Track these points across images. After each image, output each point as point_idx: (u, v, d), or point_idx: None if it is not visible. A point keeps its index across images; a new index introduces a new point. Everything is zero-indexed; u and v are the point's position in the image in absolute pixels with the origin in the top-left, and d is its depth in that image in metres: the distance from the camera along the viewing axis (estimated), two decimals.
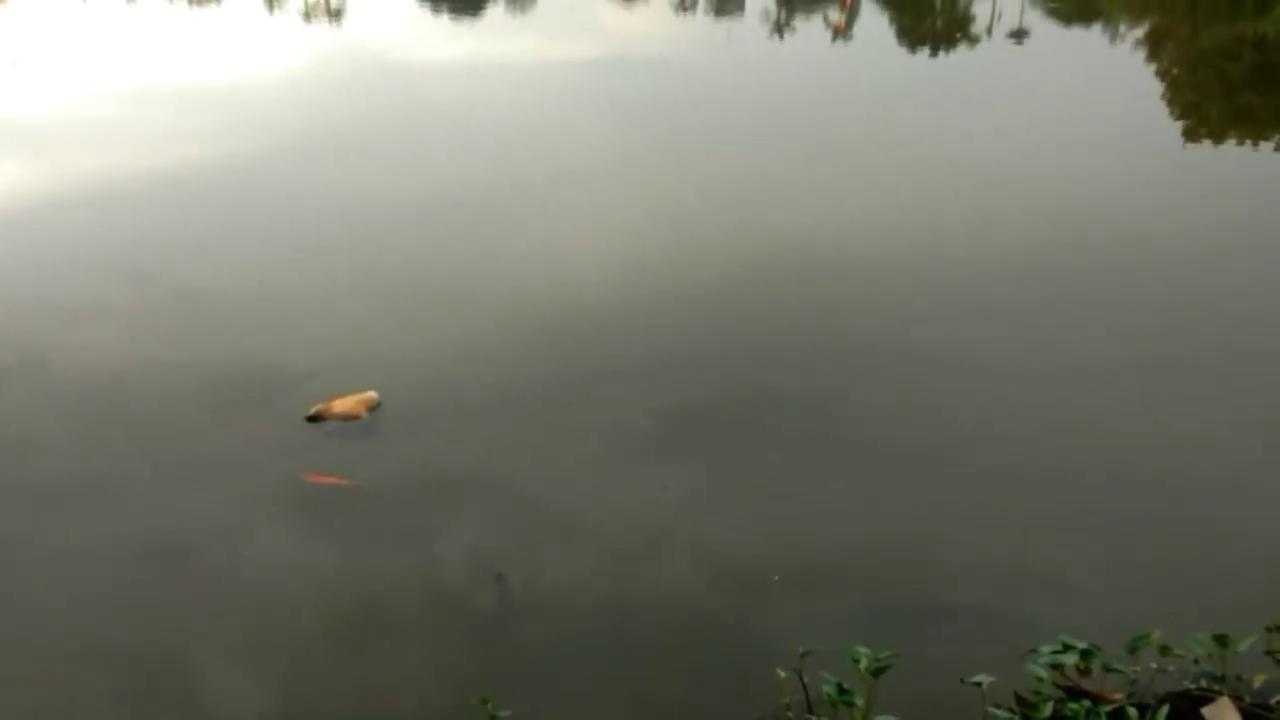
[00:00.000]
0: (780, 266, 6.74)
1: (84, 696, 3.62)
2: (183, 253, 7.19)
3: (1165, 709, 2.54)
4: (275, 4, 19.72)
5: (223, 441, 5.03)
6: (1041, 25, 17.76)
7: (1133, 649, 2.75)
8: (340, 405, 5.18)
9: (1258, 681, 2.71)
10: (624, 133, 10.40)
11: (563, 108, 11.40)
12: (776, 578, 4.05)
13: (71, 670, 3.72)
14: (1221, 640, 2.70)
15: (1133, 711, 2.55)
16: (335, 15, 18.90)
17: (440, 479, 4.73)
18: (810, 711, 2.91)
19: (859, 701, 2.67)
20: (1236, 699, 2.65)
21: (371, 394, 5.27)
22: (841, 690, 2.68)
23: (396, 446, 5.00)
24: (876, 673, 2.68)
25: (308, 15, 18.85)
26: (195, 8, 19.65)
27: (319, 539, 4.35)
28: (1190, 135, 10.61)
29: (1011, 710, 2.67)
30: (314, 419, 5.13)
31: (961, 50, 16.33)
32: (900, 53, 16.06)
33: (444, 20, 18.93)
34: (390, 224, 7.77)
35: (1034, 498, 4.55)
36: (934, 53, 16.19)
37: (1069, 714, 2.56)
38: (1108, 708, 2.57)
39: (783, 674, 2.88)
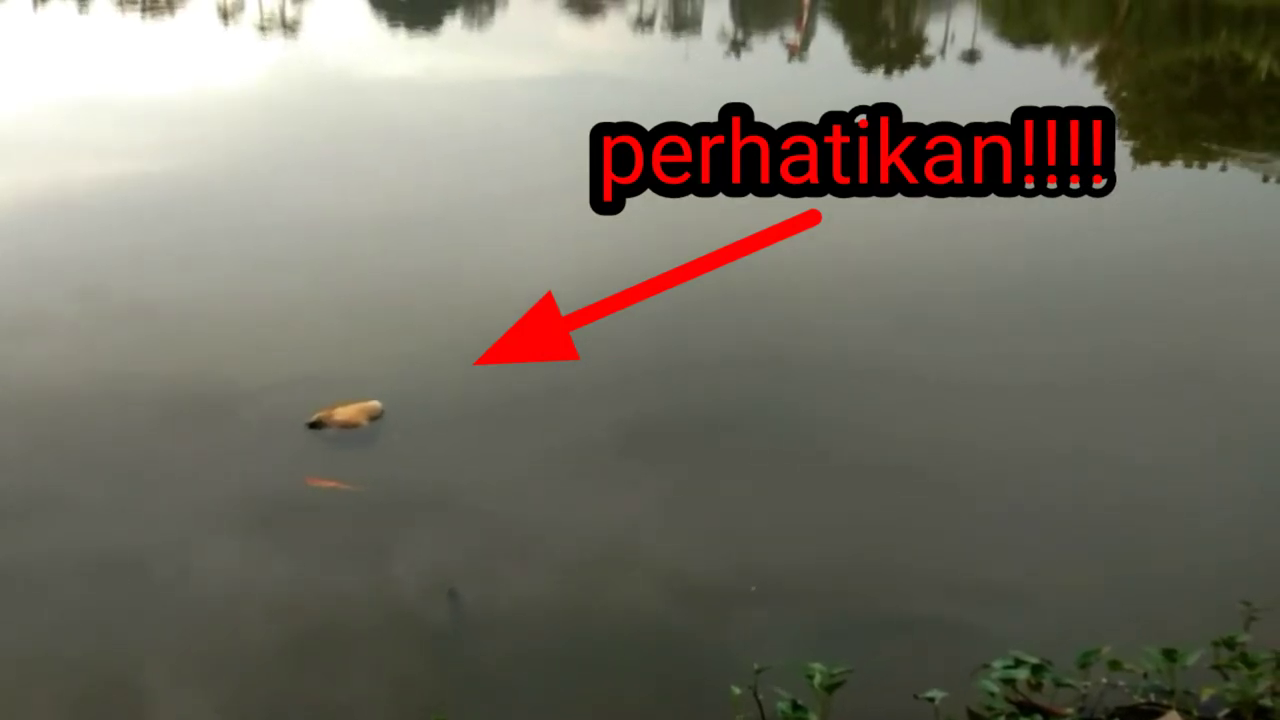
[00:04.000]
0: (744, 282, 6.75)
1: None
2: (140, 267, 7.07)
3: None
4: (230, 17, 19.58)
5: (215, 449, 5.03)
6: (994, 47, 18.02)
7: (1083, 664, 2.77)
8: (342, 413, 5.18)
9: (1205, 695, 2.73)
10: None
11: (524, 124, 11.38)
12: (753, 588, 4.06)
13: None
14: (1170, 654, 2.73)
15: None
16: (290, 29, 18.79)
17: (430, 489, 4.74)
18: None
19: (813, 717, 2.66)
20: (1185, 713, 2.67)
21: (374, 403, 5.26)
22: (795, 706, 2.68)
23: (393, 456, 5.01)
24: (830, 688, 2.68)
25: (263, 29, 18.72)
26: (149, 19, 19.46)
27: (303, 546, 4.38)
28: (1139, 155, 10.79)
29: None
30: (315, 425, 5.12)
31: (915, 70, 16.52)
32: (855, 73, 16.21)
33: (400, 35, 18.87)
34: (351, 239, 7.70)
35: (987, 513, 4.59)
36: (888, 73, 16.37)
37: None
38: None
39: (737, 690, 2.87)
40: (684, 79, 15.17)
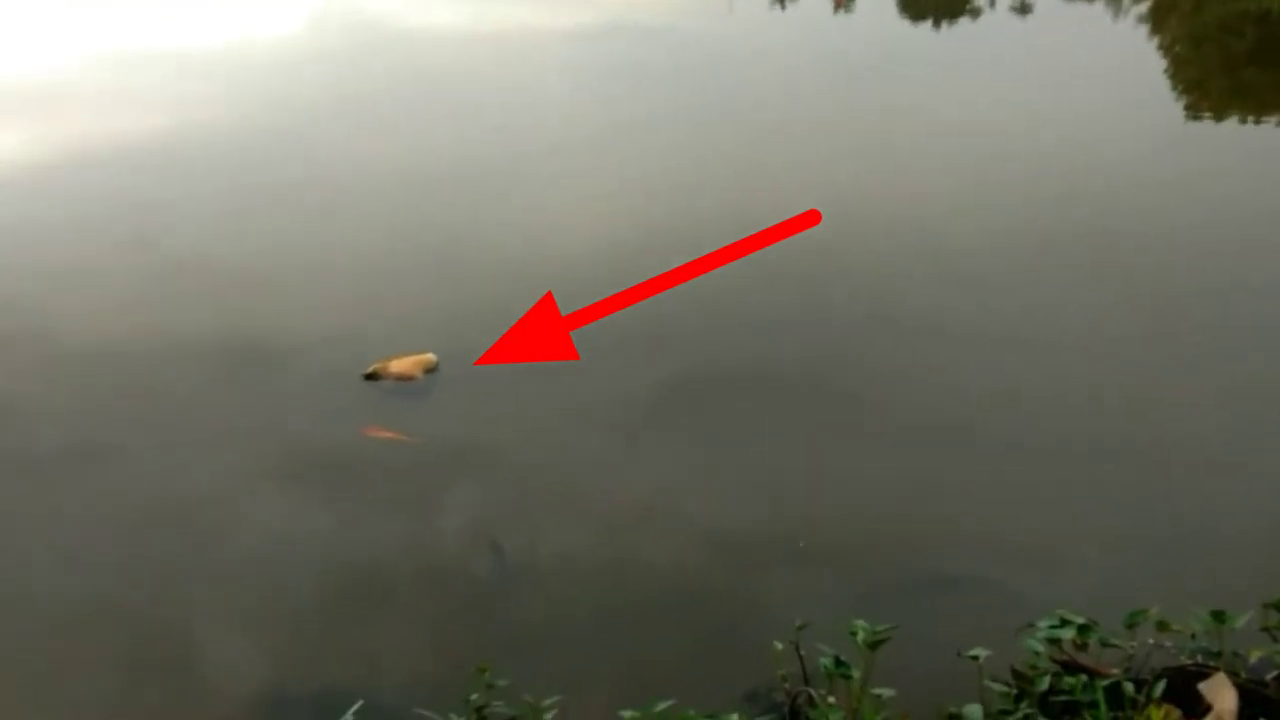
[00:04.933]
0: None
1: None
2: (188, 220, 7.15)
3: (1162, 684, 2.54)
4: None
5: (270, 400, 5.15)
6: None
7: (1130, 624, 2.75)
8: (397, 365, 5.23)
9: (1254, 657, 2.71)
10: (631, 102, 10.32)
11: (567, 76, 11.30)
12: (802, 544, 4.07)
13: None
14: (1219, 616, 2.70)
15: (1129, 686, 2.55)
16: None
17: (485, 442, 4.79)
18: (806, 683, 2.91)
19: (855, 674, 2.67)
20: (1233, 675, 2.65)
21: (429, 356, 5.31)
22: (838, 663, 2.68)
23: (448, 409, 5.06)
24: (873, 645, 2.68)
25: None
26: None
27: (357, 495, 4.47)
28: (1192, 111, 10.56)
29: (1008, 684, 2.67)
30: (371, 377, 5.18)
31: (964, 22, 16.22)
32: (903, 24, 15.95)
33: None
34: (399, 192, 7.70)
35: (1032, 470, 4.54)
36: (936, 24, 16.08)
37: (1065, 688, 2.57)
38: (1104, 682, 2.57)
39: (780, 646, 2.88)
40: (726, 30, 14.96)
